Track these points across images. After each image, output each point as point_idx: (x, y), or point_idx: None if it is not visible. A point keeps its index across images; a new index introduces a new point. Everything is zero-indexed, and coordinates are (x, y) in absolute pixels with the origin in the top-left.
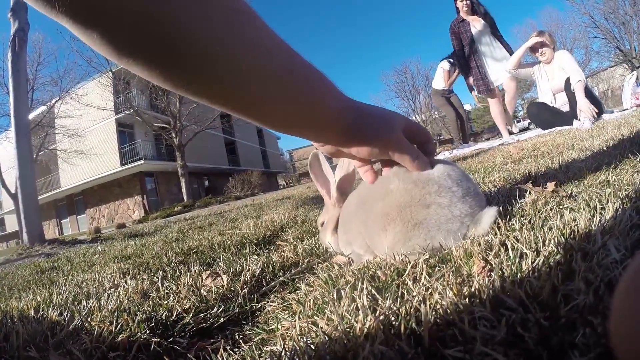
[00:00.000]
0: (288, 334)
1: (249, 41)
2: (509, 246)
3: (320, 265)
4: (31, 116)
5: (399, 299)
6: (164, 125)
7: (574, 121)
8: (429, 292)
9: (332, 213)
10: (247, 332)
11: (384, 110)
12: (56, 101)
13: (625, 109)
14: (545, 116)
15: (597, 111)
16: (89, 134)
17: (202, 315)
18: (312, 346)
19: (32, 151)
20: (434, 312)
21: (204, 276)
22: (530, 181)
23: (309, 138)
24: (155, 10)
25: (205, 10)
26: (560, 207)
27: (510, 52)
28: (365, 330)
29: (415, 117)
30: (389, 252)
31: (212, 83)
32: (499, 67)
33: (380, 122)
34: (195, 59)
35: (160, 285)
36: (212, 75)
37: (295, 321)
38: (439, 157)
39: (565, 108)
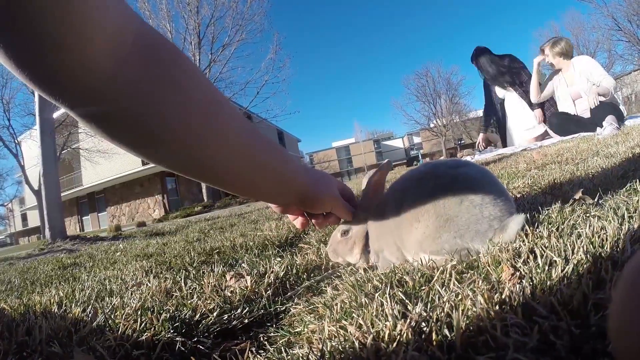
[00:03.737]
0: (315, 337)
1: (221, 130)
2: (538, 253)
3: (344, 269)
4: (55, 115)
5: (429, 304)
6: None
7: (597, 128)
8: (459, 298)
9: (360, 227)
10: (272, 334)
11: (325, 174)
12: None
13: None
14: (567, 126)
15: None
16: None
17: (226, 315)
18: (342, 351)
19: (56, 149)
20: (465, 319)
21: (228, 277)
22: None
23: (271, 201)
24: (146, 116)
25: (185, 109)
26: (588, 215)
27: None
28: (397, 336)
29: (436, 121)
30: (417, 248)
31: (189, 164)
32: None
33: (328, 185)
34: (175, 147)
35: (183, 284)
36: (189, 157)
37: (322, 324)
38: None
39: (586, 115)
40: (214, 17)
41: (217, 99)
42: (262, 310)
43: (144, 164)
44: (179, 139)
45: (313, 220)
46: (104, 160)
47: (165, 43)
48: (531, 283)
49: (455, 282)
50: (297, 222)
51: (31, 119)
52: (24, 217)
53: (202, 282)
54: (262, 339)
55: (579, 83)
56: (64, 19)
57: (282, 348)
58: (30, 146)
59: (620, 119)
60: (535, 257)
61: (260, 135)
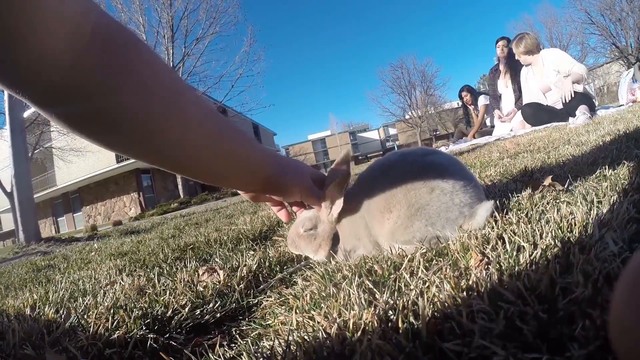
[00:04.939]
0: (284, 329)
1: (182, 117)
2: (506, 239)
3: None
4: (26, 114)
5: (396, 292)
6: None
7: (570, 118)
8: (426, 286)
9: (327, 227)
10: (244, 328)
11: (298, 162)
12: None
13: (621, 105)
14: (540, 116)
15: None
16: None
17: (198, 311)
18: (308, 341)
19: (28, 149)
20: (431, 306)
21: (201, 272)
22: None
23: (237, 188)
24: (105, 104)
25: (146, 97)
26: (557, 200)
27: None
28: (362, 324)
29: (412, 113)
30: (389, 238)
31: (151, 151)
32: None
33: (298, 174)
34: (137, 135)
35: (156, 281)
36: (151, 145)
37: (291, 316)
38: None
39: (559, 106)
40: (187, 9)
41: (178, 86)
42: (234, 304)
43: (118, 161)
44: (140, 127)
45: (294, 208)
46: (78, 159)
47: (124, 32)
48: (499, 269)
49: (423, 270)
50: (281, 214)
51: (1, 118)
52: None
53: (175, 278)
54: (234, 333)
55: (548, 76)
56: (21, 11)
57: (252, 341)
58: (1, 146)
59: (593, 109)
60: (503, 243)
61: (225, 123)
